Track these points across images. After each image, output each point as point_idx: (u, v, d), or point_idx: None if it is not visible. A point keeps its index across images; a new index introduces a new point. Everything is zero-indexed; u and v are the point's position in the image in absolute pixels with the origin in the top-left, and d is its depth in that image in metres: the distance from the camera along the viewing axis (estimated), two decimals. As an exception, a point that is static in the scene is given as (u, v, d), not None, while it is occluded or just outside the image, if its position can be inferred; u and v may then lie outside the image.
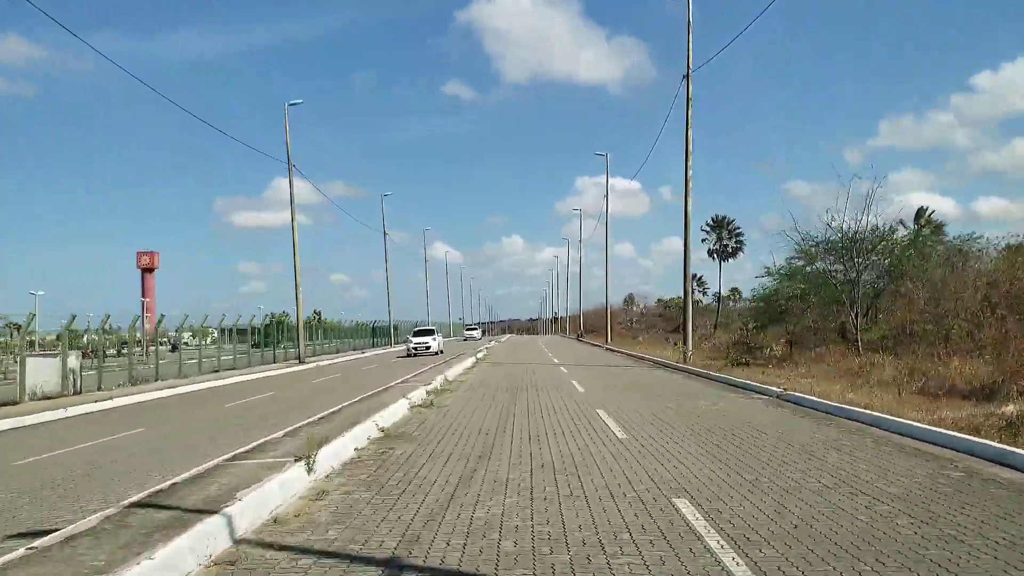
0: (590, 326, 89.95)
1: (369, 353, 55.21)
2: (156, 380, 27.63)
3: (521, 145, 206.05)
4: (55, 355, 22.86)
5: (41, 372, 21.77)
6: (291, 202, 40.30)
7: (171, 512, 6.28)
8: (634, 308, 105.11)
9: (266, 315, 49.39)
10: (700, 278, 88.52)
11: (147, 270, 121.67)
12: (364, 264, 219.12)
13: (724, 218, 74.84)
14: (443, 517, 6.47)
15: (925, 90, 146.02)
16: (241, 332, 39.18)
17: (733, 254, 74.71)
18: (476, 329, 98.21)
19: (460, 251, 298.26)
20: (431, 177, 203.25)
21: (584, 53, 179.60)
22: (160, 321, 34.57)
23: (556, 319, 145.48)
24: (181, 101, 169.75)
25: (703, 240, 75.06)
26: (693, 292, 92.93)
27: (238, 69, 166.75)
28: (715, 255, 74.27)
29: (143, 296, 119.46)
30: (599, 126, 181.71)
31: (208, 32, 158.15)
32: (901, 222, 31.99)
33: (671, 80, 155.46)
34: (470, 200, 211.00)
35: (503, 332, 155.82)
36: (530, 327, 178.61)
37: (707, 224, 75.05)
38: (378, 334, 73.42)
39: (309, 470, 8.03)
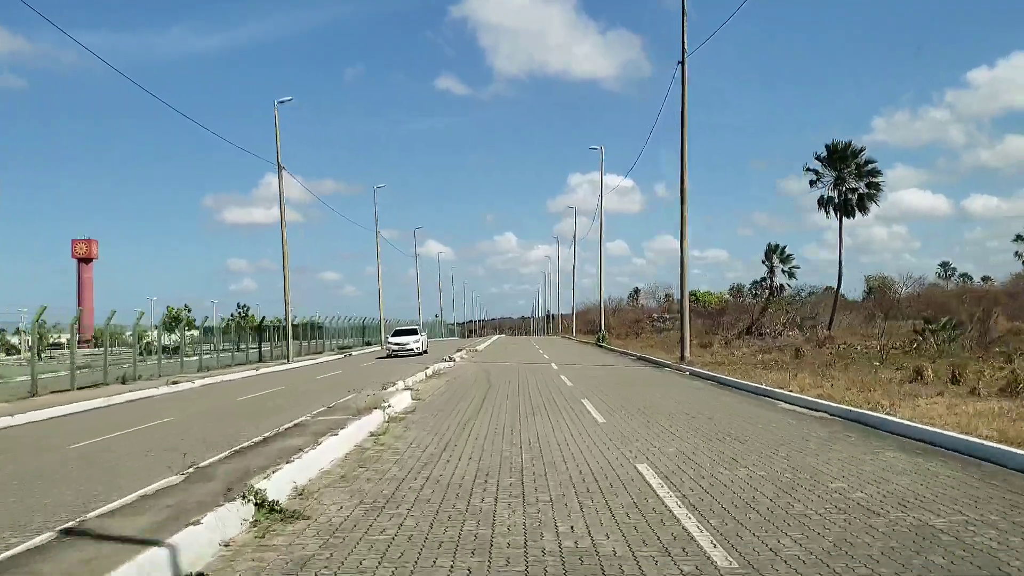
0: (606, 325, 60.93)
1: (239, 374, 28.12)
2: None
3: (514, 141, 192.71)
4: None
5: None
6: None
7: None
8: (640, 304, 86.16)
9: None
10: (782, 250, 58.95)
11: (83, 260, 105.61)
12: (357, 262, 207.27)
13: (848, 146, 44.46)
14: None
15: (919, 86, 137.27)
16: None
17: (861, 205, 44.60)
18: (415, 334, 44.72)
19: (451, 248, 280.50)
20: (422, 174, 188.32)
21: (578, 48, 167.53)
22: (111, 317, 27.24)
23: (550, 317, 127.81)
24: (167, 98, 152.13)
25: (811, 183, 44.99)
26: (772, 272, 63.48)
27: (233, 66, 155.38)
28: (831, 206, 44.58)
29: (78, 290, 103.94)
30: (593, 122, 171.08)
31: (199, 29, 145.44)
32: None
33: (666, 76, 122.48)
34: (461, 197, 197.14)
35: (493, 332, 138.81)
36: (522, 326, 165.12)
37: (818, 157, 45.00)
38: (287, 334, 44.71)
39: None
